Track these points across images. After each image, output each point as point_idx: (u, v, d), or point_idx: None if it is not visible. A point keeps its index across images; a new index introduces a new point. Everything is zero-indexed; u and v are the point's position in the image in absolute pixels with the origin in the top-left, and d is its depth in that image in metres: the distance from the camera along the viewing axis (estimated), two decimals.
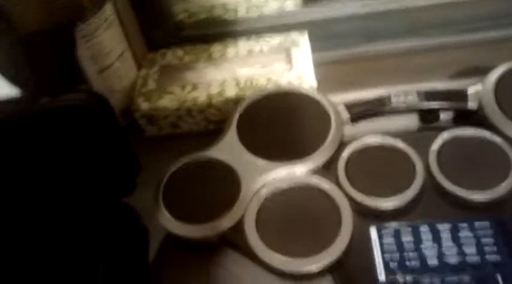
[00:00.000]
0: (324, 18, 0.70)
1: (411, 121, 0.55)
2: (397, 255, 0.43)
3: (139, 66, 0.66)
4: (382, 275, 0.42)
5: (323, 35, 0.69)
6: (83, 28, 0.56)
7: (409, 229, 0.44)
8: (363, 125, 0.55)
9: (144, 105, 0.60)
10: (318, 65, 0.65)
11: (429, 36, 0.70)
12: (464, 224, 0.44)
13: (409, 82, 0.60)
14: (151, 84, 0.62)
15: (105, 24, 0.58)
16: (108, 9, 0.59)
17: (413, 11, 0.69)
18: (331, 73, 0.66)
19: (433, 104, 0.53)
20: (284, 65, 0.62)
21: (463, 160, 0.47)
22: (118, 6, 0.62)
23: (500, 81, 0.51)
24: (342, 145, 0.50)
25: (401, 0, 0.69)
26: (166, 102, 0.59)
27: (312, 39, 0.66)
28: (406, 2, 0.69)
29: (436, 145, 0.48)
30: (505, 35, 0.67)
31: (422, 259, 0.42)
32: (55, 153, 0.46)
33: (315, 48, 0.66)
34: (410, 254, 0.43)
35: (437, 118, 0.54)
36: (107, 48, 0.59)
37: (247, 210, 0.46)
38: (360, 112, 0.53)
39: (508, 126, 0.48)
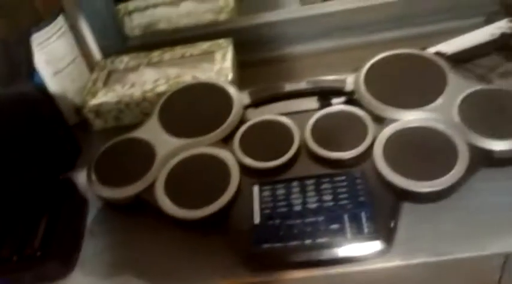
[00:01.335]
0: (250, 26, 0.82)
1: (312, 105, 0.66)
2: (271, 205, 0.54)
3: (91, 70, 0.78)
4: (257, 220, 0.53)
5: (250, 41, 0.81)
6: (38, 36, 0.68)
7: (283, 184, 0.55)
8: (268, 109, 0.66)
9: (90, 101, 0.72)
10: (244, 67, 0.77)
11: (340, 38, 0.81)
12: (326, 179, 0.54)
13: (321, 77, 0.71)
14: (99, 85, 0.75)
15: (58, 33, 0.70)
16: (61, 20, 0.72)
17: (326, 16, 0.81)
18: (256, 73, 0.78)
19: (318, 88, 0.64)
20: (209, 65, 0.74)
21: (331, 130, 0.58)
22: (71, 18, 0.75)
23: (370, 69, 0.62)
24: (241, 123, 0.61)
25: (316, 7, 0.82)
26: (109, 97, 0.71)
27: (241, 44, 0.78)
28: (319, 8, 0.81)
29: (312, 120, 0.59)
30: (400, 35, 0.78)
31: (289, 206, 0.53)
32: (5, 135, 0.58)
33: (243, 52, 0.78)
34: (281, 203, 0.53)
35: (330, 103, 0.65)
36: (60, 54, 0.71)
37: (159, 174, 0.58)
38: (260, 97, 0.65)
39: (369, 101, 0.59)
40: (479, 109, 0.55)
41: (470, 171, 0.51)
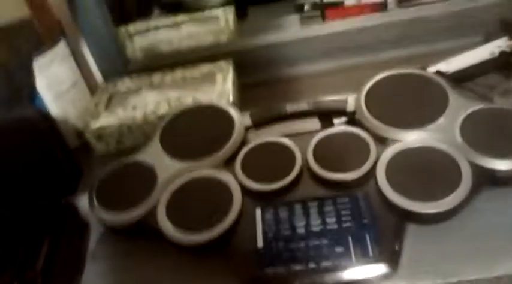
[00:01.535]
0: (251, 47, 0.83)
1: (314, 126, 0.66)
2: (274, 228, 0.53)
3: (93, 94, 0.78)
4: (260, 243, 0.52)
5: (251, 62, 0.82)
6: (40, 60, 0.69)
7: (286, 207, 0.55)
8: (268, 130, 0.66)
9: (92, 124, 0.72)
10: (245, 88, 0.77)
11: (341, 59, 0.82)
12: (329, 201, 0.54)
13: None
14: (101, 108, 0.75)
15: (59, 57, 0.71)
16: (63, 45, 0.72)
17: (326, 37, 0.81)
18: (256, 95, 0.78)
19: (319, 109, 0.64)
20: (210, 87, 0.74)
21: (333, 151, 0.57)
22: (73, 44, 0.75)
23: (371, 89, 0.62)
24: (243, 145, 0.61)
25: (316, 28, 0.82)
26: (110, 120, 0.72)
27: (241, 66, 0.79)
28: (319, 29, 0.81)
29: (313, 141, 0.59)
30: (400, 55, 0.79)
31: (293, 229, 0.53)
32: (7, 159, 0.58)
33: (243, 74, 0.78)
34: (285, 226, 0.53)
35: (331, 123, 0.66)
36: (61, 78, 0.72)
37: (161, 198, 0.57)
38: (261, 119, 0.65)
39: (371, 122, 0.59)
40: (482, 129, 0.55)
41: (474, 191, 0.51)
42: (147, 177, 0.60)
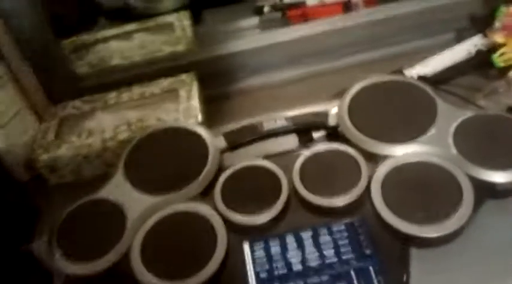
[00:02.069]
0: (213, 57, 0.76)
1: (291, 145, 0.61)
2: (266, 266, 0.48)
3: (41, 120, 0.69)
4: None
5: (213, 73, 0.75)
6: None
7: (277, 240, 0.49)
8: (245, 151, 0.60)
9: (43, 156, 0.63)
10: (209, 101, 0.70)
11: (309, 65, 0.77)
12: (324, 230, 0.49)
13: (292, 108, 0.66)
14: (51, 136, 0.66)
15: None
16: (1, 71, 0.63)
17: (291, 42, 0.76)
18: (221, 108, 0.72)
19: (300, 125, 0.59)
20: (173, 104, 0.67)
21: (321, 173, 0.53)
22: (13, 67, 0.66)
23: (353, 100, 0.58)
24: (220, 171, 0.55)
25: (280, 34, 0.77)
26: (64, 150, 0.63)
27: (203, 77, 0.72)
28: (283, 35, 0.76)
29: (299, 162, 0.54)
30: (371, 57, 0.75)
31: (288, 266, 0.47)
32: None
33: (206, 86, 0.72)
34: (278, 263, 0.48)
35: (311, 138, 0.61)
36: (1, 107, 0.63)
37: (133, 241, 0.50)
38: (237, 139, 0.59)
39: (358, 138, 0.54)
40: (475, 138, 0.52)
41: (476, 207, 0.48)
42: (114, 216, 0.53)
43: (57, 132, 0.67)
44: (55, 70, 0.73)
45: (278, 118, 0.59)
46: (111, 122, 0.66)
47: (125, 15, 0.88)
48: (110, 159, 0.64)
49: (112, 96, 0.71)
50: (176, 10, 0.87)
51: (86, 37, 0.82)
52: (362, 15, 0.77)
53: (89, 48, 0.81)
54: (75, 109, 0.70)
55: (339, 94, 0.66)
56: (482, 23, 0.71)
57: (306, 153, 0.54)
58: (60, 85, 0.74)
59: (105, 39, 0.82)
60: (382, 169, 0.51)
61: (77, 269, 0.50)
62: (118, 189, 0.55)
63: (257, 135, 0.58)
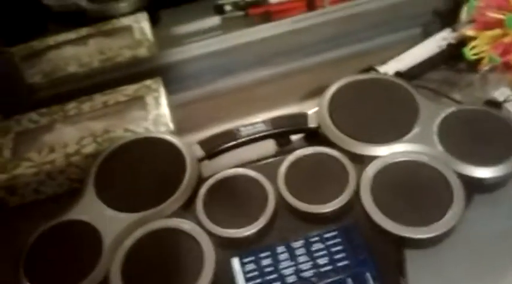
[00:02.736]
0: (177, 61, 0.72)
1: (268, 148, 0.58)
2: (258, 280, 0.45)
3: None
4: None
5: (178, 77, 0.72)
6: None
7: (268, 252, 0.47)
8: (222, 159, 0.57)
9: (0, 177, 0.58)
10: (177, 107, 0.67)
11: (277, 65, 0.74)
12: (316, 238, 0.47)
13: (264, 110, 0.64)
14: (6, 154, 0.61)
15: None
16: None
17: (258, 42, 0.73)
18: (190, 113, 0.69)
19: (279, 129, 0.56)
20: (140, 112, 0.63)
21: (307, 178, 0.51)
22: None
23: (333, 100, 0.56)
24: (200, 182, 0.52)
25: (246, 34, 0.74)
26: (23, 169, 0.58)
27: (168, 82, 0.68)
28: (249, 35, 0.73)
29: (283, 169, 0.51)
30: (339, 54, 0.74)
31: (281, 278, 0.45)
32: None
33: (172, 91, 0.68)
34: (271, 276, 0.45)
35: (289, 141, 0.58)
36: None
37: (112, 265, 0.46)
38: (215, 147, 0.56)
39: (342, 139, 0.53)
40: (459, 134, 0.52)
41: (467, 203, 0.47)
42: (88, 239, 0.49)
43: (14, 149, 0.61)
44: (4, 80, 0.67)
45: (256, 123, 0.57)
46: (73, 135, 0.62)
47: (76, 19, 0.83)
48: (74, 174, 0.59)
49: (72, 106, 0.65)
50: (132, 12, 0.82)
51: (36, 43, 0.76)
52: (328, 13, 0.76)
53: (41, 56, 0.75)
54: (32, 123, 0.64)
55: (310, 95, 0.65)
56: (447, 17, 0.71)
57: (289, 158, 0.52)
58: (11, 97, 0.68)
59: (58, 45, 0.76)
60: (370, 171, 0.50)
61: None
62: (90, 208, 0.51)
63: (235, 141, 0.55)
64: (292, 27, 0.74)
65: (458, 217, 0.46)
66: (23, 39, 0.77)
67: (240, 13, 0.84)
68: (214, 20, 0.84)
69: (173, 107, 0.65)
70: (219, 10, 0.85)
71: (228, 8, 0.84)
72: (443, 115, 0.53)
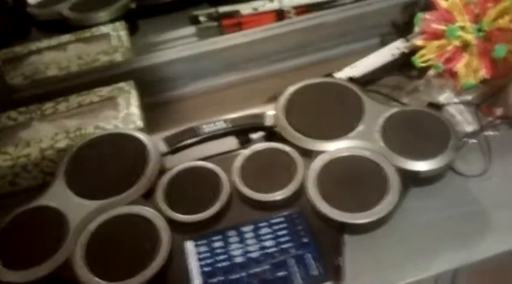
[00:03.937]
0: (151, 65, 0.77)
1: (231, 146, 0.63)
2: (210, 260, 0.49)
3: None
4: (198, 280, 0.48)
5: (153, 81, 0.76)
6: None
7: (220, 236, 0.51)
8: (186, 154, 0.61)
9: None
10: (151, 108, 0.71)
11: (245, 70, 0.79)
12: (264, 223, 0.51)
13: (231, 112, 0.68)
14: None
15: None
16: None
17: (227, 49, 0.78)
18: (161, 114, 0.73)
19: (238, 127, 0.61)
20: (112, 112, 0.68)
21: (260, 170, 0.55)
22: None
23: (288, 101, 0.61)
24: (162, 174, 0.56)
25: (217, 42, 0.79)
26: (0, 162, 0.62)
27: (143, 85, 0.73)
28: (219, 42, 0.78)
29: (238, 162, 0.56)
30: (303, 62, 0.79)
31: (230, 259, 0.49)
32: None
33: (146, 94, 0.73)
34: (221, 257, 0.49)
35: (249, 139, 0.63)
36: None
37: (76, 246, 0.50)
38: (178, 143, 0.60)
39: (294, 136, 0.57)
40: (400, 132, 0.56)
41: (402, 194, 0.52)
42: (55, 223, 0.53)
43: None
44: None
45: (217, 120, 0.61)
46: (48, 132, 0.66)
47: (58, 26, 0.88)
48: (48, 167, 0.63)
49: (49, 106, 0.70)
50: (111, 21, 0.87)
51: (19, 48, 0.81)
52: (293, 23, 0.81)
53: (23, 60, 0.80)
54: (11, 120, 0.69)
55: (274, 98, 0.70)
56: (403, 29, 0.77)
57: (245, 152, 0.57)
58: None
59: (39, 51, 0.81)
60: (317, 164, 0.54)
61: (18, 277, 0.49)
62: (58, 196, 0.55)
63: (197, 137, 0.60)
64: (259, 35, 0.79)
65: (392, 205, 0.50)
66: (6, 44, 0.82)
67: (214, 24, 0.88)
68: (190, 30, 0.89)
69: (147, 108, 0.69)
70: (194, 20, 0.90)
71: (202, 18, 0.89)
72: (386, 115, 0.58)
